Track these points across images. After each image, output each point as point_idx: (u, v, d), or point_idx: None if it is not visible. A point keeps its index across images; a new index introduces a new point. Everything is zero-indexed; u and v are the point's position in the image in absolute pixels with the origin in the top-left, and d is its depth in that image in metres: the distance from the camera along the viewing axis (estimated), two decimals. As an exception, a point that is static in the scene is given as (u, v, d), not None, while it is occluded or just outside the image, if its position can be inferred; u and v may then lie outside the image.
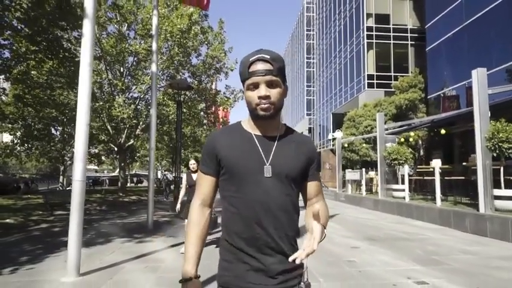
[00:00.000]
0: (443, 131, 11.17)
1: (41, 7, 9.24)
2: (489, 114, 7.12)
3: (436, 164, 8.96)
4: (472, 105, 7.40)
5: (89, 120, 4.36)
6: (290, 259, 0.96)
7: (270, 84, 1.11)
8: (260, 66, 1.10)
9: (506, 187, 7.01)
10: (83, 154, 4.24)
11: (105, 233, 7.25)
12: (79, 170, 4.23)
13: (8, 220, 9.01)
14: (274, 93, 1.12)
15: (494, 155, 6.97)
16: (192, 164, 5.54)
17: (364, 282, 3.90)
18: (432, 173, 9.89)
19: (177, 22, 15.09)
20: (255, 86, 1.12)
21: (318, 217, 1.02)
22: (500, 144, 6.72)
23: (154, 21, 8.46)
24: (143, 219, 8.92)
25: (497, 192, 6.95)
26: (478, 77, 7.14)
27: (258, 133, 1.19)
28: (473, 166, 8.18)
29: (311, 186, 1.24)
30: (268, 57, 1.11)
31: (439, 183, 8.66)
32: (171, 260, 4.96)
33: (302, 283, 1.14)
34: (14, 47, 10.85)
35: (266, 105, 1.11)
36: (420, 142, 19.54)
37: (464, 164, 9.57)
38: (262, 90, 1.10)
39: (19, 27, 10.02)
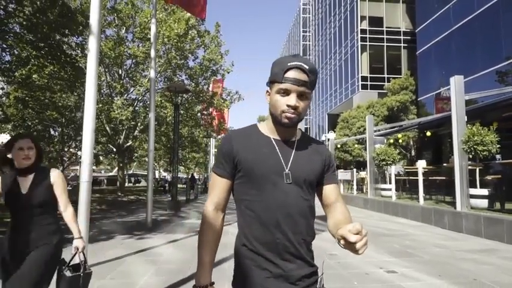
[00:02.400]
0: (428, 133, 11.71)
1: (44, 14, 9.65)
2: (466, 119, 7.63)
3: (420, 164, 9.48)
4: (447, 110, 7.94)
5: (94, 127, 4.81)
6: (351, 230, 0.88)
7: (301, 95, 1.10)
8: (297, 75, 1.08)
9: (481, 187, 7.52)
10: (89, 158, 4.69)
11: (107, 230, 7.70)
12: (86, 172, 4.68)
13: (12, 219, 9.43)
14: (302, 105, 1.11)
15: (470, 156, 7.49)
16: (23, 147, 2.10)
17: (341, 271, 4.39)
18: (424, 173, 10.38)
19: (175, 27, 15.53)
20: (286, 93, 1.10)
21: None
22: (475, 146, 7.23)
23: (153, 29, 8.91)
24: (142, 218, 9.37)
25: (472, 191, 7.47)
26: (456, 84, 7.65)
27: (277, 137, 1.19)
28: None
29: (330, 189, 1.23)
30: (307, 67, 1.09)
31: (421, 183, 9.19)
32: (168, 253, 5.44)
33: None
34: (16, 52, 11.25)
35: (292, 115, 1.10)
36: (411, 143, 20.12)
37: (444, 164, 10.10)
38: (293, 100, 1.09)
39: (22, 32, 10.42)
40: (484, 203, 7.34)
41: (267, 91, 1.18)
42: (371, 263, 4.80)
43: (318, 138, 37.82)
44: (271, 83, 1.14)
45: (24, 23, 10.01)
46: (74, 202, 9.54)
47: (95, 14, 4.83)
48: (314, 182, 1.19)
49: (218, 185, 1.18)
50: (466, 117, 7.74)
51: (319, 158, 1.22)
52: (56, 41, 10.71)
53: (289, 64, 1.08)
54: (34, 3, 9.60)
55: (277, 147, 1.16)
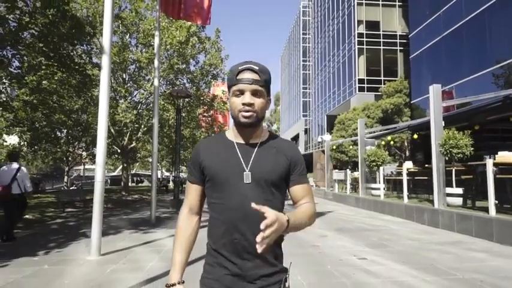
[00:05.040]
0: (415, 136, 12.40)
1: (55, 27, 10.40)
2: (443, 124, 8.31)
3: (405, 166, 10.15)
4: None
5: (106, 134, 5.54)
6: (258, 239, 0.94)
7: (255, 93, 1.16)
8: (248, 75, 1.15)
9: (457, 186, 8.20)
10: (102, 161, 5.43)
11: (115, 226, 8.44)
12: (99, 173, 5.42)
13: (27, 216, 10.18)
14: (258, 102, 1.17)
15: (447, 158, 8.17)
16: None
17: (319, 258, 5.09)
18: (409, 174, 11.08)
19: (176, 34, 16.26)
20: (241, 92, 1.16)
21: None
22: (450, 149, 7.91)
23: (156, 41, 9.63)
24: (146, 215, 10.11)
25: (449, 190, 8.15)
26: (434, 92, 8.34)
27: (240, 141, 1.23)
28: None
29: (297, 190, 1.26)
30: (257, 68, 1.17)
31: (405, 183, 9.88)
32: (171, 244, 6.11)
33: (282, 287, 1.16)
34: (26, 58, 11.99)
35: (249, 113, 1.15)
36: (406, 144, 20.78)
37: (426, 165, 10.77)
38: (247, 97, 1.15)
39: (34, 42, 11.17)
40: (459, 200, 8.02)
41: (227, 97, 1.25)
42: (347, 252, 5.50)
43: (316, 139, 38.06)
44: (228, 89, 1.21)
45: (36, 33, 10.77)
46: (80, 201, 10.43)
47: (107, 36, 5.55)
48: (278, 182, 1.21)
49: (191, 191, 1.29)
50: (443, 122, 8.42)
51: (284, 158, 1.23)
52: (67, 51, 11.45)
53: (240, 68, 1.18)
54: (46, 16, 10.34)
55: (238, 150, 1.21)
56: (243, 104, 1.15)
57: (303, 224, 1.17)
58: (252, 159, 1.19)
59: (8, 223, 6.48)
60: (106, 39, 5.54)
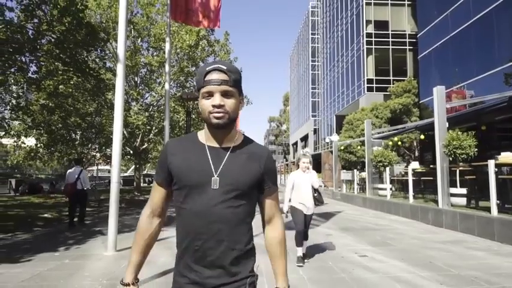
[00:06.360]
0: (422, 136, 12.48)
1: (71, 34, 10.90)
2: (447, 125, 8.43)
3: (410, 166, 10.28)
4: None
5: (122, 137, 5.90)
6: None
7: (225, 94, 1.12)
8: (216, 76, 1.11)
9: (461, 186, 8.31)
10: (118, 163, 5.80)
11: (129, 224, 8.83)
12: (115, 174, 5.79)
13: (46, 215, 10.73)
14: (228, 103, 1.12)
15: (450, 159, 8.29)
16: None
17: (322, 256, 5.34)
18: (416, 174, 11.19)
19: (186, 38, 16.68)
20: (210, 94, 1.12)
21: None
22: (454, 150, 8.03)
23: (167, 47, 9.99)
24: (158, 214, 10.49)
25: (452, 190, 8.27)
26: (438, 93, 8.46)
27: (212, 144, 1.18)
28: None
29: (267, 203, 1.24)
30: (225, 67, 1.12)
31: (411, 183, 10.01)
32: (182, 242, 6.48)
33: None
34: (44, 64, 12.55)
35: (220, 113, 1.11)
36: (415, 144, 20.73)
37: (431, 166, 10.85)
38: (217, 99, 1.11)
39: (51, 49, 11.70)
40: (463, 201, 8.14)
41: (198, 100, 1.20)
42: (350, 250, 5.73)
43: (325, 139, 37.80)
44: (198, 91, 1.16)
45: (53, 40, 11.30)
46: (94, 201, 11.15)
47: (121, 44, 5.91)
48: (247, 190, 1.16)
49: (155, 192, 1.26)
50: (450, 123, 8.54)
51: (255, 164, 1.19)
52: (82, 57, 11.95)
53: (207, 68, 1.13)
54: (63, 24, 10.84)
55: (209, 154, 1.16)
56: (213, 106, 1.11)
57: (285, 255, 1.28)
58: (222, 164, 1.15)
59: (73, 212, 8.38)
60: (120, 49, 5.91)
